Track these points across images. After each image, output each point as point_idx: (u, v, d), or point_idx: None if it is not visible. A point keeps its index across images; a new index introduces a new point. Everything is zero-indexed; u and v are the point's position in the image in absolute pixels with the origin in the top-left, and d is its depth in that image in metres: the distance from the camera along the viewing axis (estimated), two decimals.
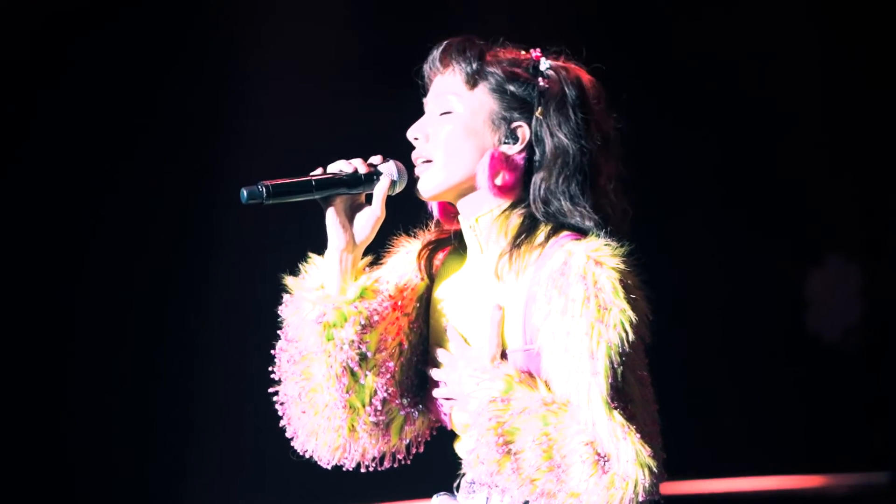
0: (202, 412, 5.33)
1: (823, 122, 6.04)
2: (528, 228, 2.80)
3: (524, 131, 2.83)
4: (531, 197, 2.81)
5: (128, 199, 5.25)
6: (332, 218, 2.83)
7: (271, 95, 5.41)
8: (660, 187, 5.59)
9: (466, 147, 2.82)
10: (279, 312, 2.87)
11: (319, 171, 2.83)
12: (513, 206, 2.82)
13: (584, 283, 2.65)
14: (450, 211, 2.94)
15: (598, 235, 2.74)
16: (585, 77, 2.86)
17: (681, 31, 5.83)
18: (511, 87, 2.83)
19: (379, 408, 2.86)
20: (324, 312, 2.80)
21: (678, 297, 5.65)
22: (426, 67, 2.89)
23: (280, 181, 2.78)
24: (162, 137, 5.28)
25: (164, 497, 5.28)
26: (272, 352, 2.88)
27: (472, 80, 2.84)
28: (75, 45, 5.18)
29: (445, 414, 2.89)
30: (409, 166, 2.87)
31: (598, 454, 2.61)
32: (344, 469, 2.92)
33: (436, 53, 2.88)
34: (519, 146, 2.83)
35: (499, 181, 2.81)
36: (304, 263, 2.87)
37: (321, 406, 2.84)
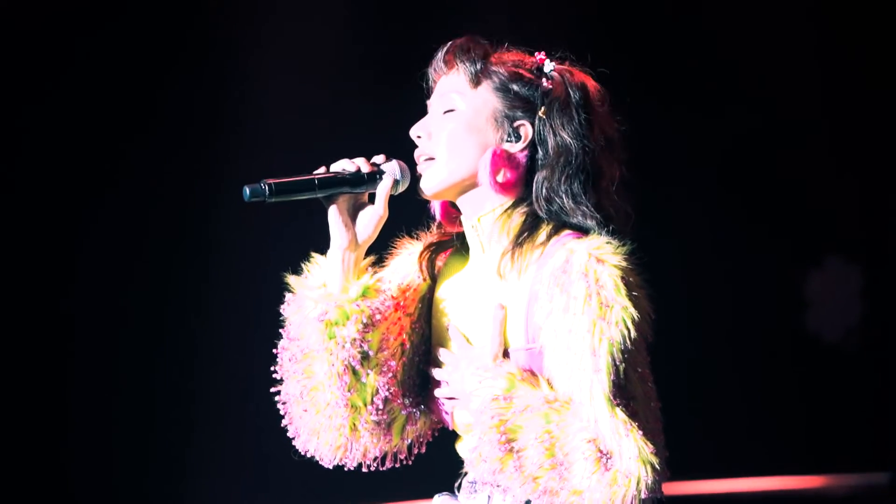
0: (202, 412, 5.33)
1: (823, 122, 6.04)
2: (530, 227, 2.80)
3: (527, 130, 2.83)
4: (533, 195, 2.81)
5: (128, 198, 5.26)
6: (334, 217, 2.83)
7: (271, 95, 5.41)
8: (660, 187, 5.60)
9: (469, 144, 2.83)
10: (281, 311, 2.88)
11: (322, 169, 2.84)
12: (515, 205, 2.83)
13: (586, 281, 2.65)
14: (452, 214, 2.95)
15: (599, 234, 2.74)
16: (590, 82, 2.88)
17: (681, 31, 5.83)
18: (514, 87, 2.84)
19: (381, 407, 2.86)
20: (326, 310, 2.80)
21: (679, 297, 5.65)
22: (430, 70, 2.91)
23: (283, 179, 2.78)
24: (162, 137, 5.28)
25: (164, 497, 5.28)
26: (273, 351, 2.88)
27: (476, 79, 2.85)
28: (76, 45, 5.18)
29: (447, 413, 2.89)
30: (412, 166, 2.87)
31: (601, 451, 2.61)
32: (345, 469, 2.92)
33: (440, 55, 2.89)
34: (521, 144, 2.83)
35: (500, 178, 2.82)
36: (307, 262, 2.88)
37: (323, 405, 2.85)
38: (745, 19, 5.87)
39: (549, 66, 2.87)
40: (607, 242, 2.71)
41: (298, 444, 2.90)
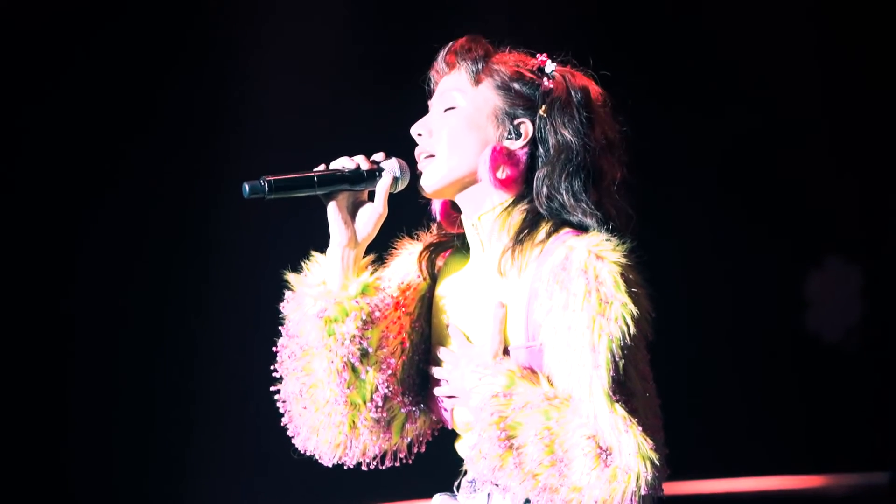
0: (202, 412, 5.33)
1: (823, 122, 6.04)
2: (530, 225, 2.80)
3: (527, 127, 2.84)
4: (534, 192, 2.81)
5: (128, 198, 5.25)
6: (334, 214, 2.83)
7: (271, 95, 5.41)
8: (660, 187, 5.59)
9: (469, 141, 2.83)
10: (281, 309, 2.88)
11: (322, 167, 2.84)
12: (515, 203, 2.83)
13: (586, 278, 2.66)
14: (451, 215, 2.96)
15: (599, 232, 2.74)
16: (591, 85, 2.88)
17: (681, 31, 5.83)
18: (516, 85, 2.85)
19: (380, 404, 2.86)
20: (325, 307, 2.80)
21: (679, 297, 5.65)
22: (432, 72, 2.91)
23: (282, 176, 2.78)
24: (162, 137, 5.28)
25: (164, 497, 5.28)
26: (273, 349, 2.88)
27: (477, 77, 2.85)
28: (76, 45, 5.18)
29: (446, 411, 2.89)
30: (412, 164, 2.87)
31: (600, 447, 2.61)
32: (345, 467, 2.93)
33: (442, 55, 2.90)
34: (522, 142, 2.84)
35: (500, 174, 2.82)
36: (306, 261, 2.88)
37: (322, 402, 2.85)
38: (745, 19, 5.87)
39: (550, 66, 2.88)
40: (607, 240, 2.71)
41: (298, 443, 2.90)
